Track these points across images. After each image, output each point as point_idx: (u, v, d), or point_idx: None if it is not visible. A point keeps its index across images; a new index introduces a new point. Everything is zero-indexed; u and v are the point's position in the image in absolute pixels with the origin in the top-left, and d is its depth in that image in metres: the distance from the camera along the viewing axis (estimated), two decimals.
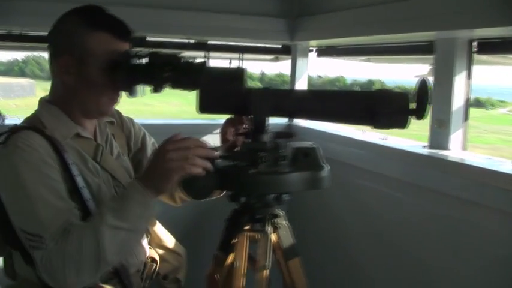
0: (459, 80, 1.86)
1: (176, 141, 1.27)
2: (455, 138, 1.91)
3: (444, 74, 1.88)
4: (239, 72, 1.38)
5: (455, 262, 1.79)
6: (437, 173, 1.82)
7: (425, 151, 1.93)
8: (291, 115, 1.48)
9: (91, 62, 1.38)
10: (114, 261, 1.29)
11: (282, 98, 1.40)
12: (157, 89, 1.39)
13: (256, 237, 1.44)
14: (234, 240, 1.49)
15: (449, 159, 1.81)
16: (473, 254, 1.73)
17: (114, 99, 1.47)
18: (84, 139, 1.47)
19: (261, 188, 1.37)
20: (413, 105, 1.31)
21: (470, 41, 1.86)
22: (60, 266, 1.20)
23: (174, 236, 1.76)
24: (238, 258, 1.43)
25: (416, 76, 3.58)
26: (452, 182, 1.76)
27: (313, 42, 2.72)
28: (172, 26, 2.44)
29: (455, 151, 1.90)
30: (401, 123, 1.36)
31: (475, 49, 1.87)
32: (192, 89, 1.44)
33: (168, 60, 1.37)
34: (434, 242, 1.87)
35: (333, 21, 2.39)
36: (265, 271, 1.42)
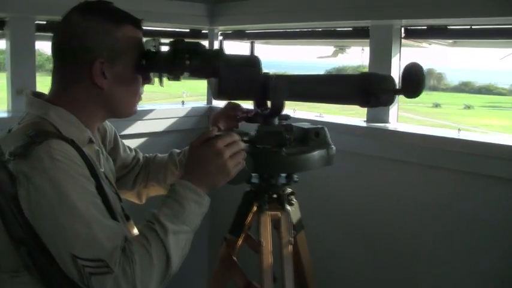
0: (394, 62, 2.12)
1: (225, 138, 1.28)
2: (392, 113, 2.18)
3: (381, 57, 2.13)
4: (255, 59, 1.44)
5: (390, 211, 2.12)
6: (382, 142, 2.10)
7: (377, 125, 2.17)
8: (303, 99, 1.57)
9: (124, 60, 1.30)
10: (178, 267, 1.21)
11: (296, 83, 1.49)
12: (177, 77, 1.38)
13: (278, 215, 1.53)
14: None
15: (395, 129, 2.11)
16: (400, 202, 2.10)
17: (141, 94, 1.41)
18: (91, 144, 1.35)
19: (293, 168, 1.47)
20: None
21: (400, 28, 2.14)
22: (131, 286, 1.11)
23: None
24: (264, 238, 1.49)
25: (319, 57, 3.86)
26: (393, 148, 2.05)
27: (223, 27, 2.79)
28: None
29: (393, 123, 2.18)
30: (391, 102, 1.56)
31: (403, 35, 2.14)
32: (209, 77, 1.46)
33: (193, 48, 1.35)
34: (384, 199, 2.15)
35: (254, 7, 2.49)
36: (290, 246, 1.52)
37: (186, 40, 1.35)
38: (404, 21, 2.10)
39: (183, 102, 2.90)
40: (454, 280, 1.97)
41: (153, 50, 1.37)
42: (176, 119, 2.75)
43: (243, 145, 1.32)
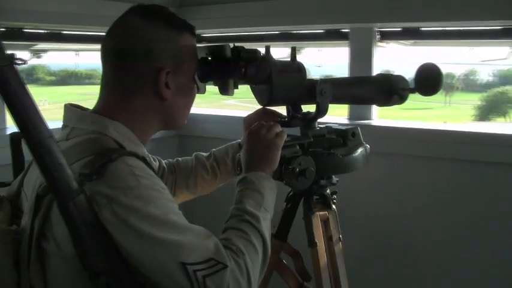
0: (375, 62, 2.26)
1: (270, 127, 1.36)
2: (374, 110, 2.32)
3: (362, 58, 2.26)
4: (301, 65, 1.48)
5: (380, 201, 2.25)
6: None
7: (361, 122, 2.28)
8: (342, 101, 1.63)
9: (186, 69, 1.24)
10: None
11: (337, 86, 1.55)
12: (236, 85, 1.37)
13: (327, 215, 1.58)
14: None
15: (379, 125, 2.24)
16: (388, 192, 2.25)
17: None
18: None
19: (347, 168, 1.52)
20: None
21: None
22: (247, 278, 1.10)
23: None
24: (318, 238, 1.54)
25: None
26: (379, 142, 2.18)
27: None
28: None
29: (376, 120, 2.32)
30: (404, 100, 1.69)
31: (378, 37, 2.29)
32: (259, 84, 1.46)
33: (250, 56, 1.34)
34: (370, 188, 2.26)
35: (222, 12, 2.50)
36: (340, 243, 1.58)
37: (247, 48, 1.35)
38: (379, 24, 2.24)
39: None
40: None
41: (206, 57, 1.34)
42: None
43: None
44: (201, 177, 1.60)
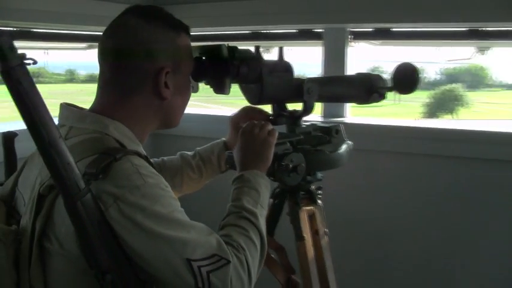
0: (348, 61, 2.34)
1: (263, 126, 1.40)
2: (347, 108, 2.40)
3: (336, 58, 2.32)
4: (290, 65, 1.52)
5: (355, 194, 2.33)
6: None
7: (335, 119, 2.34)
8: (326, 99, 1.68)
9: (183, 69, 1.26)
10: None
11: (323, 85, 1.60)
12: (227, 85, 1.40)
13: (313, 210, 1.63)
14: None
15: (353, 122, 2.31)
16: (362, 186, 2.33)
17: None
18: None
19: (334, 165, 1.57)
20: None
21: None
22: (248, 273, 1.14)
23: None
24: (305, 233, 1.58)
25: None
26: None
27: None
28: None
29: (349, 117, 2.39)
30: (383, 98, 1.76)
31: (351, 37, 2.37)
32: (250, 83, 1.49)
33: (242, 55, 1.37)
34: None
35: (195, 11, 2.51)
36: (326, 236, 1.63)
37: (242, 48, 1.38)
38: (352, 24, 2.32)
39: None
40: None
41: (199, 57, 1.37)
42: None
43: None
44: (187, 176, 1.62)
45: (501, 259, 2.16)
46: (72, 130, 1.18)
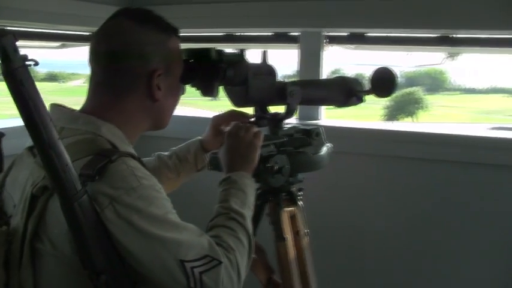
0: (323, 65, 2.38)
1: (248, 128, 1.42)
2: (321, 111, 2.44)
3: (311, 61, 2.36)
4: (273, 68, 1.55)
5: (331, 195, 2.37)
6: None
7: (310, 122, 2.38)
8: (308, 102, 1.70)
9: (174, 71, 1.28)
10: None
11: (305, 88, 1.63)
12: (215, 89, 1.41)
13: (294, 211, 1.65)
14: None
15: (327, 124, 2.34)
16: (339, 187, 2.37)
17: None
18: None
19: (316, 166, 1.60)
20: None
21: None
22: (238, 273, 1.16)
23: None
24: (287, 233, 1.61)
25: None
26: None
27: None
28: None
29: (323, 120, 2.43)
30: (361, 101, 1.80)
31: (326, 41, 2.41)
32: (235, 86, 1.51)
33: (230, 58, 1.39)
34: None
35: (170, 13, 2.50)
36: (307, 237, 1.66)
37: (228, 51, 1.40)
38: (328, 29, 2.37)
39: None
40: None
41: (187, 59, 1.38)
42: None
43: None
44: (165, 176, 1.61)
45: (472, 255, 2.25)
46: (64, 131, 1.17)
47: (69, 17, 2.37)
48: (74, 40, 2.58)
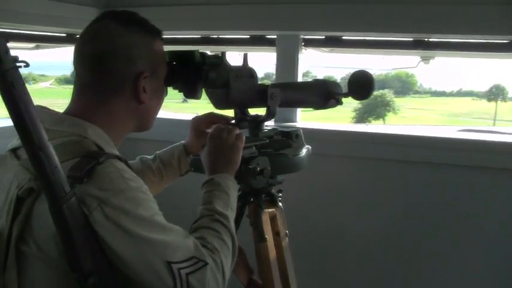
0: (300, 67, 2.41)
1: (230, 130, 1.43)
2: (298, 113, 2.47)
3: (288, 63, 2.38)
4: (253, 70, 1.56)
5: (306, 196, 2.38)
6: None
7: (287, 124, 2.40)
8: (287, 104, 1.72)
9: (159, 73, 1.28)
10: None
11: (285, 91, 1.65)
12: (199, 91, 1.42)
13: (274, 212, 1.67)
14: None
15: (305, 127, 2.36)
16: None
17: None
18: None
19: (296, 168, 1.62)
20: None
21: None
22: (222, 274, 1.18)
23: None
24: (267, 234, 1.62)
25: None
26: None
27: None
28: None
29: (300, 122, 2.46)
30: (339, 104, 1.83)
31: (303, 43, 2.44)
32: (216, 88, 1.51)
33: (212, 61, 1.40)
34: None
35: (146, 15, 2.50)
36: (287, 238, 1.68)
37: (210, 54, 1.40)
38: (304, 32, 2.39)
39: None
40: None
41: (170, 62, 1.38)
42: None
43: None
44: (148, 180, 1.61)
45: (449, 254, 2.30)
46: (49, 133, 1.15)
47: (44, 17, 2.34)
48: (48, 41, 2.55)
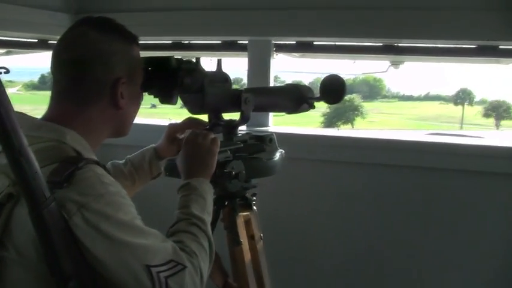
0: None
1: (206, 135, 1.44)
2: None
3: (259, 68, 2.41)
4: (227, 75, 1.58)
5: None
6: None
7: (260, 128, 2.42)
8: (261, 109, 1.74)
9: (136, 79, 1.29)
10: None
11: (259, 96, 1.67)
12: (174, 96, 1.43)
13: (249, 215, 1.68)
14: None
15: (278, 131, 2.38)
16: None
17: None
18: None
19: (270, 172, 1.64)
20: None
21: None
22: (200, 277, 1.18)
23: None
24: (242, 237, 1.63)
25: None
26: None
27: None
28: None
29: (272, 127, 2.48)
30: (311, 108, 1.86)
31: (274, 49, 2.46)
32: (191, 93, 1.52)
33: (187, 67, 1.41)
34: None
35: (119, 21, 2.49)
36: (261, 241, 1.70)
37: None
38: (275, 37, 2.42)
39: None
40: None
41: (146, 67, 1.38)
42: None
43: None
44: (121, 184, 1.61)
45: (417, 254, 2.35)
46: (27, 139, 1.14)
47: (16, 23, 2.32)
48: (20, 47, 2.52)
